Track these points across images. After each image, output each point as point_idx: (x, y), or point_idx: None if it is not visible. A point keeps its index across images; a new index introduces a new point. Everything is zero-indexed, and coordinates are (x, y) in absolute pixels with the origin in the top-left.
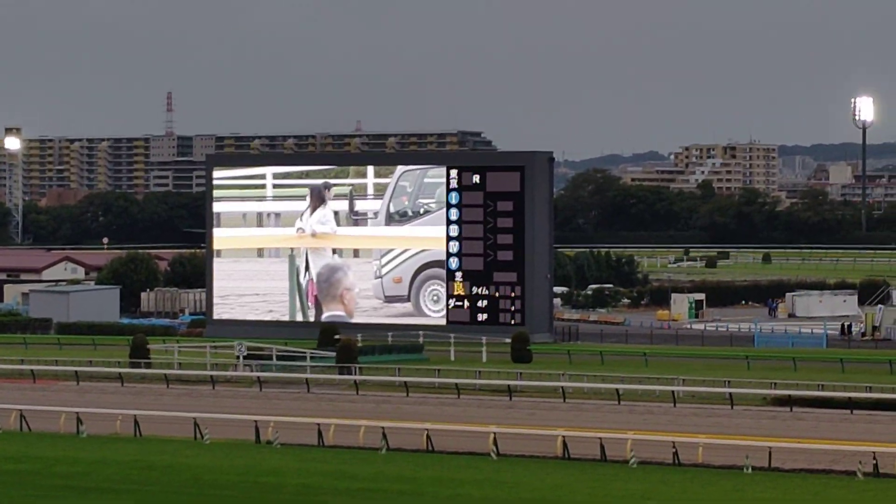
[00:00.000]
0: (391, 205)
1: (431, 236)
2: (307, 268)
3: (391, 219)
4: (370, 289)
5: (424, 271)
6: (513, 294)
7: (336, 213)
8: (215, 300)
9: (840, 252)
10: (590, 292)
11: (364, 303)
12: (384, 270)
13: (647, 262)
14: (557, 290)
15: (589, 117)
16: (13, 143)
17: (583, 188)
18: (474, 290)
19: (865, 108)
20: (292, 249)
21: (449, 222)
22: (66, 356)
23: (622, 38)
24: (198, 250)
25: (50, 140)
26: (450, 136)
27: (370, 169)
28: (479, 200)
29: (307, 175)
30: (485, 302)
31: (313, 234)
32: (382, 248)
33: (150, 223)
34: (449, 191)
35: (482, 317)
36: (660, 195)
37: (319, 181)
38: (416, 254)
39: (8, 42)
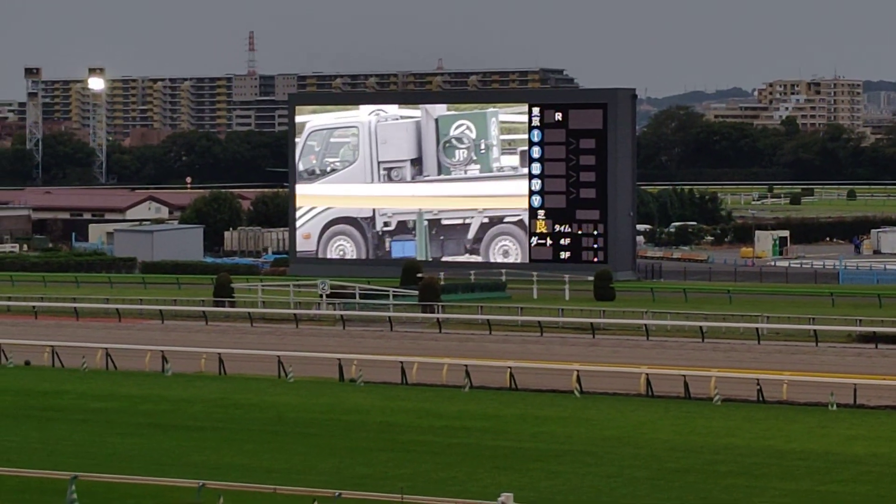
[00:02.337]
0: (300, 164)
1: (338, 194)
2: None
3: (300, 177)
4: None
5: (331, 227)
6: (595, 232)
7: None
8: (298, 239)
9: None
10: (673, 230)
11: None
12: (295, 227)
13: (730, 200)
14: (640, 227)
15: (672, 54)
16: (97, 84)
17: (666, 125)
18: (556, 228)
19: None
20: None
21: (531, 160)
22: (150, 295)
23: None
24: (280, 189)
25: (133, 80)
26: (531, 74)
27: None
28: (561, 138)
29: None
30: (567, 240)
31: None
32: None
33: (232, 162)
34: (531, 128)
35: (565, 255)
36: (743, 132)
37: None
38: (323, 211)
39: None
